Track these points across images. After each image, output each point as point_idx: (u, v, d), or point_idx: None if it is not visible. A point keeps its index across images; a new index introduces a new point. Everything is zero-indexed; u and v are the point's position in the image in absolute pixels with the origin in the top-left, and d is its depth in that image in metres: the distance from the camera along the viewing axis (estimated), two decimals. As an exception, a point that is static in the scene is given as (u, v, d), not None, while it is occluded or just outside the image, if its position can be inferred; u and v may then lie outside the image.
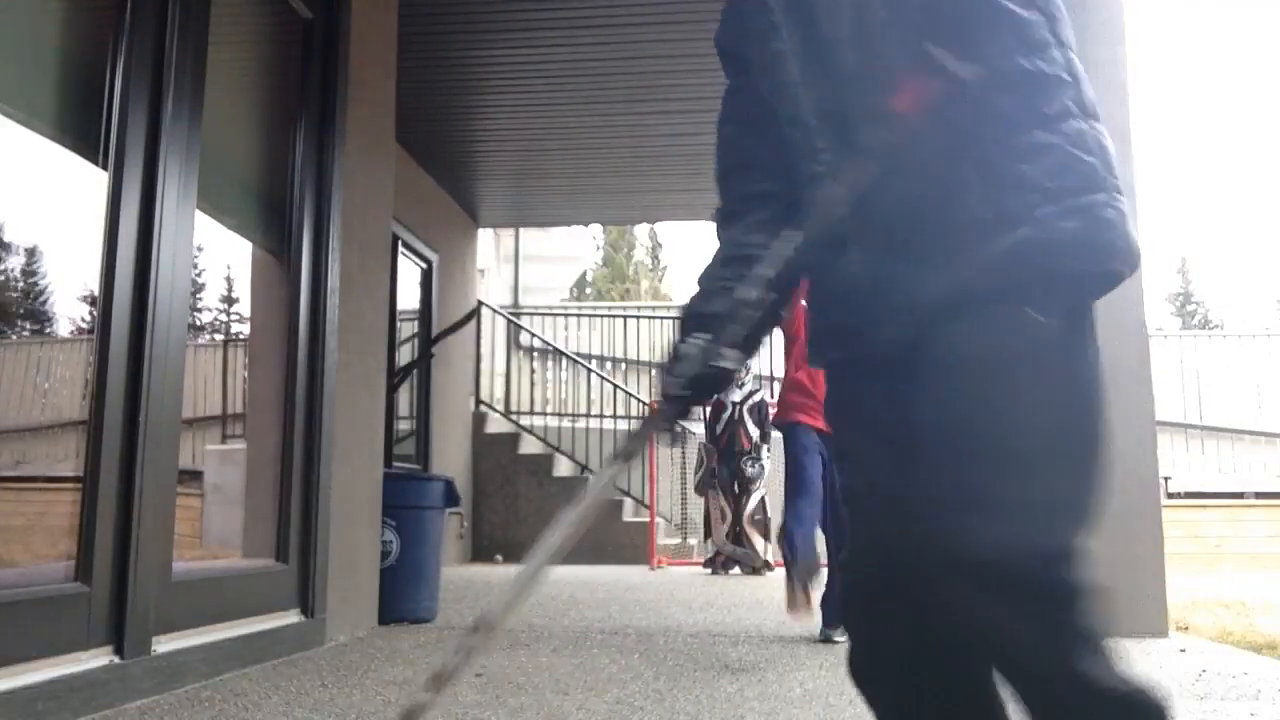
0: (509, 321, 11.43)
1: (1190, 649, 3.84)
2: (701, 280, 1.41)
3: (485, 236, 10.68)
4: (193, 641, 3.04)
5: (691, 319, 1.36)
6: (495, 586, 6.68)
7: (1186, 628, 4.62)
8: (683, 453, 9.18)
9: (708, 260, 1.44)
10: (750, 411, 8.16)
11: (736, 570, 8.16)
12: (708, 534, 8.31)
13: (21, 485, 7.77)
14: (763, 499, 8.09)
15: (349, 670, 3.31)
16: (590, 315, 12.65)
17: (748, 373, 8.35)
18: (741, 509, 8.08)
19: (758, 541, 8.05)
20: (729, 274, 1.36)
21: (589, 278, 29.40)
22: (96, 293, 2.80)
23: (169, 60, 3.00)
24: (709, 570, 8.20)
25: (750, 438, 8.12)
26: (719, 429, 8.21)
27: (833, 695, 2.89)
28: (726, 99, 1.50)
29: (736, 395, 8.17)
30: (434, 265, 8.49)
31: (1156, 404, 4.48)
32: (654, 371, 11.70)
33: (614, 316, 12.17)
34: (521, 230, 12.38)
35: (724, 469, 8.17)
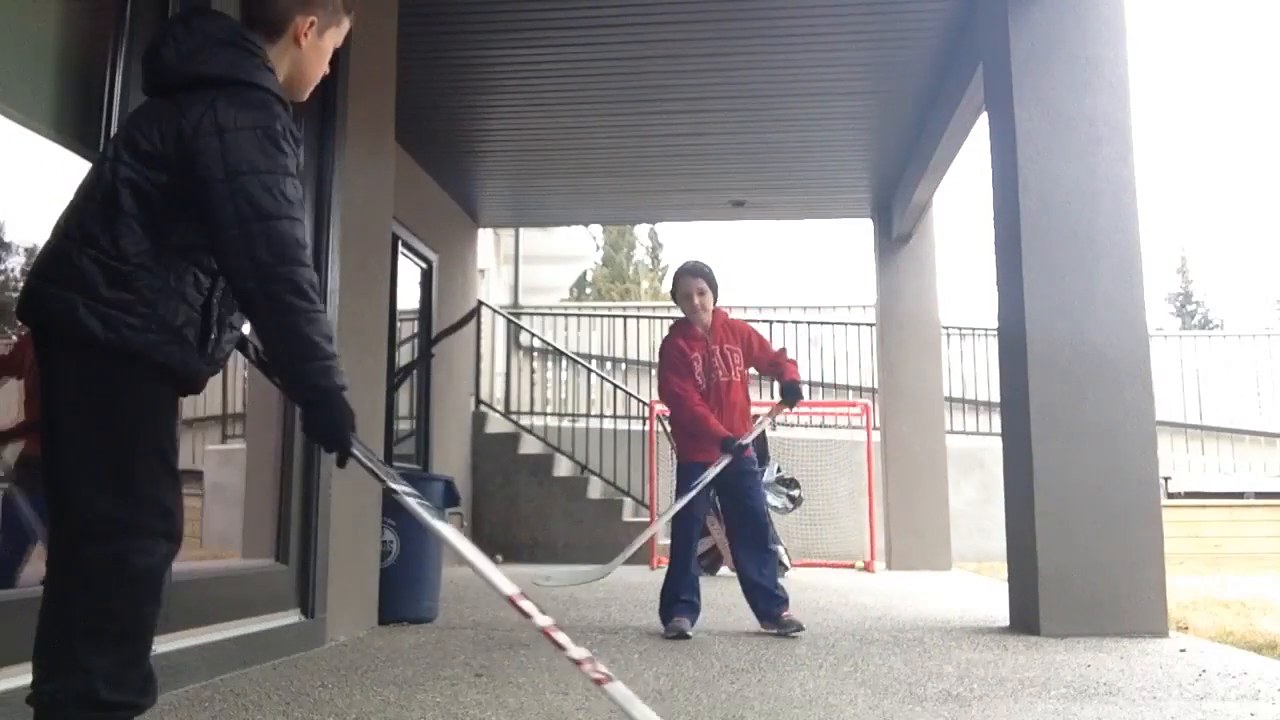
0: (509, 321, 11.43)
1: (1190, 649, 3.84)
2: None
3: (485, 236, 10.68)
4: (193, 641, 3.04)
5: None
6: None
7: (1186, 628, 4.62)
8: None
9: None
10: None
11: (724, 571, 8.15)
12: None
13: (21, 485, 7.73)
14: None
15: (349, 670, 3.31)
16: (590, 315, 12.65)
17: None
18: None
19: None
20: None
21: (589, 278, 29.39)
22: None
23: (169, 60, 3.00)
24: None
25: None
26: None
27: (833, 695, 2.89)
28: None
29: None
30: (434, 265, 8.48)
31: (1156, 404, 4.48)
32: (654, 372, 11.72)
33: (614, 316, 12.17)
34: (521, 230, 12.39)
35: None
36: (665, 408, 4.64)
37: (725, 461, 4.25)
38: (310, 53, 2.10)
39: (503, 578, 1.99)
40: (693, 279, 4.43)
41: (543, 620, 1.96)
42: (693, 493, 4.30)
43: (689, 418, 4.35)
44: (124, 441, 1.80)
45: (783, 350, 4.65)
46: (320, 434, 1.86)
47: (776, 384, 4.57)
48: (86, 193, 1.86)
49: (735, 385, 4.42)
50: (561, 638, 1.95)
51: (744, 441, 4.27)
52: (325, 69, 2.17)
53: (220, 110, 1.83)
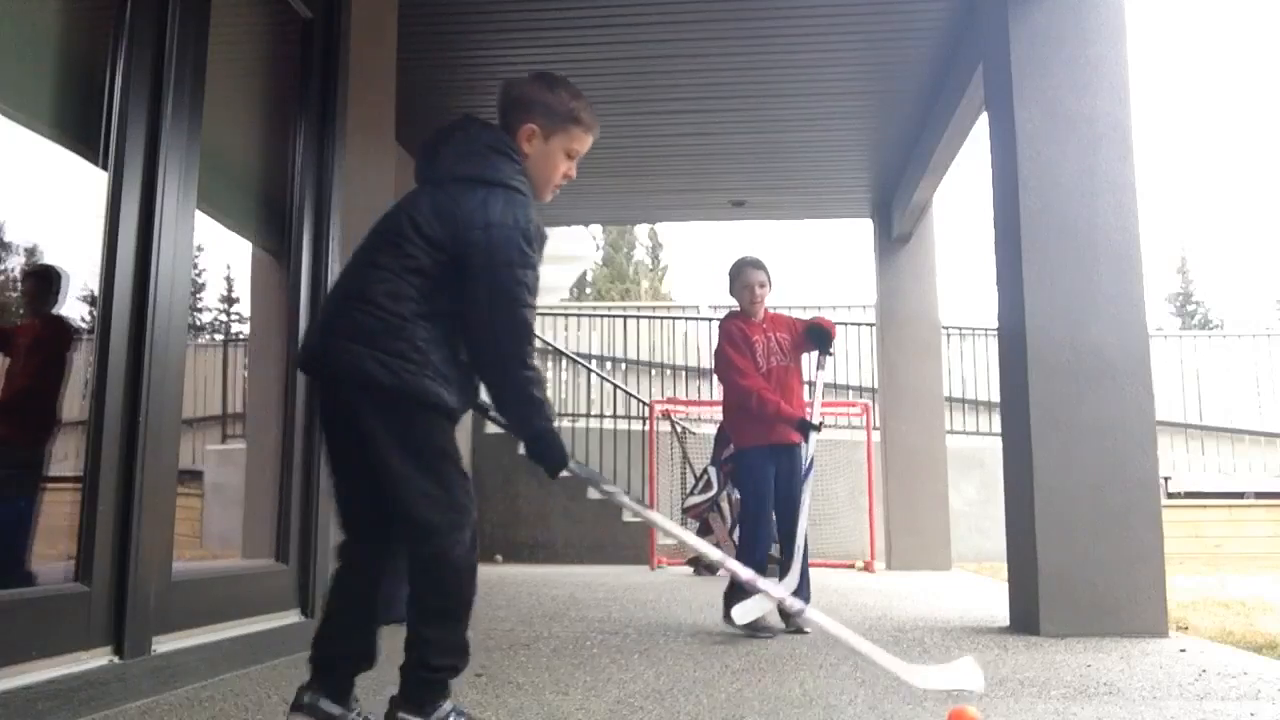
0: (509, 321, 11.40)
1: (1190, 649, 3.84)
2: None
3: (485, 236, 10.66)
4: (193, 641, 3.04)
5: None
6: (495, 587, 6.68)
7: (1186, 628, 4.62)
8: (683, 471, 9.14)
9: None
10: None
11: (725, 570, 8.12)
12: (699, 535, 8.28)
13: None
14: None
15: (349, 670, 3.31)
16: (590, 315, 12.65)
17: None
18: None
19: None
20: None
21: (589, 278, 29.39)
22: (96, 293, 2.80)
23: (169, 60, 3.00)
24: (693, 570, 8.20)
25: None
26: (728, 455, 8.14)
27: (833, 695, 2.89)
28: None
29: None
30: (434, 265, 8.47)
31: (1156, 404, 4.48)
32: (654, 372, 11.73)
33: (614, 316, 12.18)
34: (521, 230, 12.35)
35: (731, 486, 8.13)
36: (723, 386, 4.65)
37: (814, 441, 4.37)
38: (539, 158, 2.39)
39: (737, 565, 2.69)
40: (756, 271, 4.58)
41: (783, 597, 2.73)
42: (806, 496, 4.40)
43: (756, 400, 4.38)
44: (433, 463, 2.20)
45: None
46: (542, 460, 2.29)
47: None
48: (370, 260, 2.24)
49: (792, 370, 4.54)
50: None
51: (817, 421, 4.37)
52: (561, 172, 2.43)
53: (489, 208, 2.21)
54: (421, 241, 2.19)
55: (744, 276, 4.58)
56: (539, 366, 2.28)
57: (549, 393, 2.19)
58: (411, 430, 2.18)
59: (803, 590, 4.34)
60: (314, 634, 2.30)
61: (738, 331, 4.50)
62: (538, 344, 11.46)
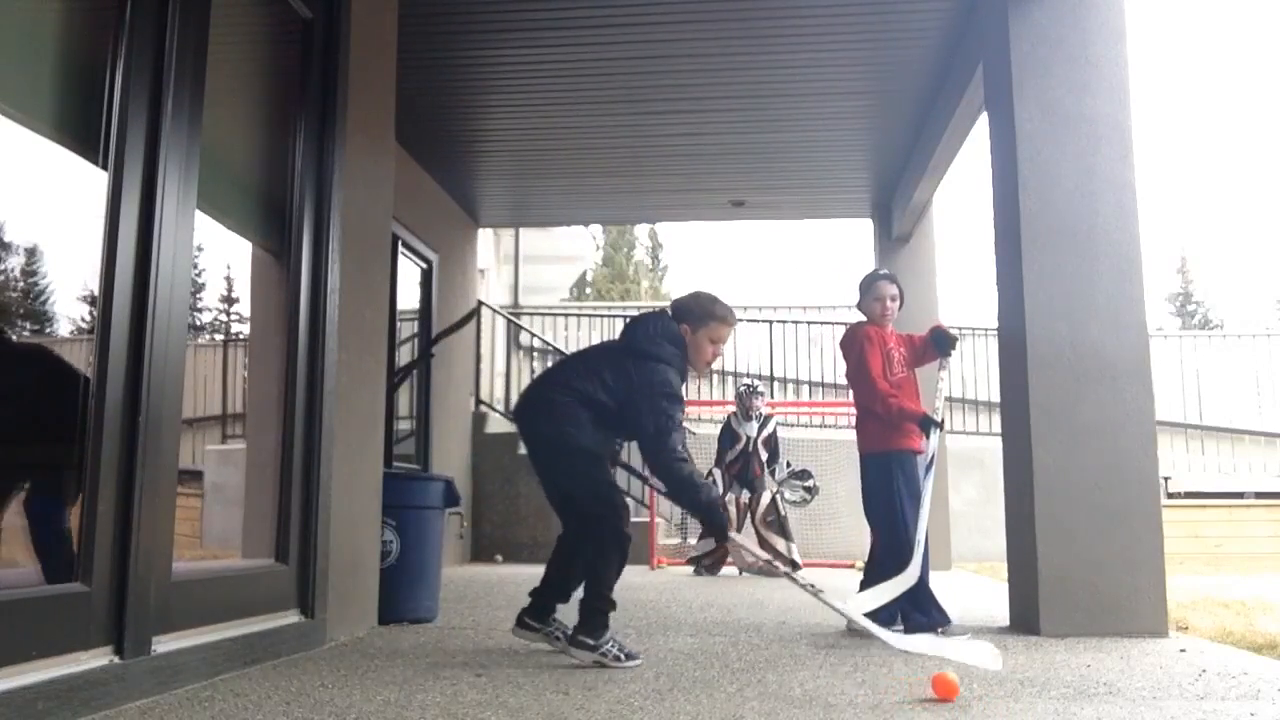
0: (509, 321, 11.43)
1: (1190, 649, 3.84)
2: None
3: (485, 236, 10.68)
4: (193, 641, 3.04)
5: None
6: (495, 587, 6.68)
7: (1186, 628, 4.62)
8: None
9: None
10: (765, 443, 8.16)
11: (727, 570, 8.14)
12: (702, 535, 8.29)
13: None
14: (774, 498, 8.04)
15: (349, 670, 3.31)
16: (590, 315, 12.65)
17: (761, 398, 8.31)
18: (754, 513, 8.01)
19: (778, 543, 7.91)
20: None
21: (589, 278, 29.40)
22: (96, 293, 2.80)
23: (169, 60, 3.00)
24: (694, 571, 8.20)
25: (762, 466, 8.11)
26: (732, 458, 8.17)
27: (832, 695, 2.89)
28: None
29: (753, 430, 8.15)
30: (434, 265, 8.49)
31: (1156, 404, 4.48)
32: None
33: (614, 316, 12.17)
34: (521, 230, 12.38)
35: (736, 488, 8.15)
36: (855, 389, 4.60)
37: (936, 439, 4.37)
38: (691, 345, 3.67)
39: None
40: (890, 284, 4.65)
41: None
42: (927, 494, 4.30)
43: (883, 405, 4.41)
44: (586, 478, 3.56)
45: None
46: (709, 530, 3.91)
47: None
48: (567, 371, 3.68)
49: (911, 381, 4.62)
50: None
51: (939, 418, 4.40)
52: (710, 352, 3.72)
53: (655, 374, 3.51)
54: (597, 380, 3.55)
55: (876, 289, 4.61)
56: (687, 454, 3.50)
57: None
58: (569, 461, 3.55)
59: (921, 594, 4.26)
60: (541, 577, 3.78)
61: (879, 339, 4.53)
62: (539, 344, 11.54)
